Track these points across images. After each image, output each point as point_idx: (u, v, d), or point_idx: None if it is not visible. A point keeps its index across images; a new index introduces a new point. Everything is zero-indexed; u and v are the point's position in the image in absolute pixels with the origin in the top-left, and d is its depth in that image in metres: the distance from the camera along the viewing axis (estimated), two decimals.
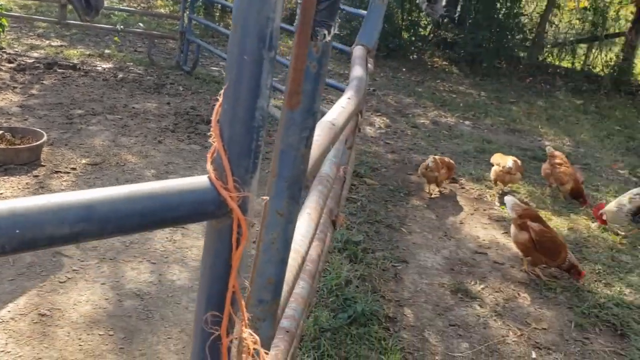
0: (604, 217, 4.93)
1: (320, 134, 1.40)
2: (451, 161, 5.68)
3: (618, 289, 4.13)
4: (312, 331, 3.11)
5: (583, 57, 12.48)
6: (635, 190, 4.98)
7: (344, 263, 3.88)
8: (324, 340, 3.08)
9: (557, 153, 5.93)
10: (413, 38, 12.80)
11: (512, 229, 4.42)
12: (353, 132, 3.11)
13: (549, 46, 12.86)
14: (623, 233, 5.05)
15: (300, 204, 1.36)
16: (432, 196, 5.56)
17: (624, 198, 4.92)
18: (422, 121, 8.22)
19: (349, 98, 1.89)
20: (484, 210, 5.38)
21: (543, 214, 5.31)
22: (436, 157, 5.58)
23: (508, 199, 4.58)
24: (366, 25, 2.94)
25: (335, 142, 1.51)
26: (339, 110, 1.68)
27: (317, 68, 1.00)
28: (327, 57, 1.03)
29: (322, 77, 1.02)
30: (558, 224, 5.16)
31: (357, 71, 2.35)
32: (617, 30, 12.34)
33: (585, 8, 12.47)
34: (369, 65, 4.63)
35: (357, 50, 2.78)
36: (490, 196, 5.70)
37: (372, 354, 3.10)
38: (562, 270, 4.17)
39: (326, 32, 0.99)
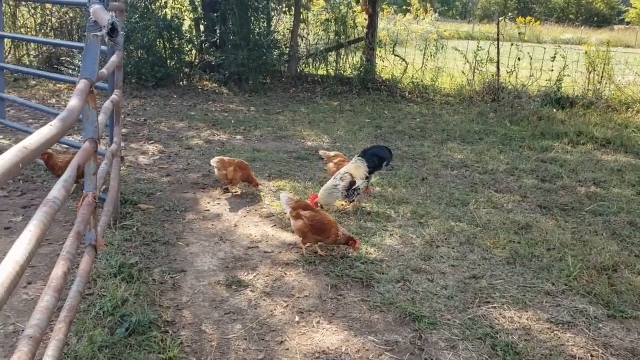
0: (320, 204, 5.77)
1: (8, 155, 1.67)
2: (242, 161, 6.29)
3: (364, 250, 4.93)
4: (89, 351, 3.27)
5: (334, 64, 13.96)
6: (342, 170, 5.93)
7: (119, 285, 4.06)
8: (102, 356, 3.26)
9: (332, 153, 6.81)
10: (179, 65, 13.14)
11: (291, 220, 5.00)
12: (94, 157, 3.34)
13: (304, 58, 14.15)
14: (349, 207, 5.95)
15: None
16: (232, 194, 6.26)
17: (336, 179, 5.80)
18: (195, 142, 8.58)
19: (51, 125, 2.15)
20: (256, 210, 5.92)
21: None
22: (222, 157, 6.27)
23: (282, 195, 5.15)
24: (85, 60, 3.19)
25: (26, 163, 1.78)
26: (36, 137, 1.95)
27: None
28: None
29: None
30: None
31: (71, 102, 2.61)
32: (357, 36, 14.03)
33: (327, 20, 14.00)
34: (114, 95, 4.87)
35: (79, 84, 3.02)
36: (262, 197, 6.27)
37: (151, 356, 3.37)
38: (341, 244, 4.84)
39: None
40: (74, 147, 6.24)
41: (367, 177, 5.93)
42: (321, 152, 7.09)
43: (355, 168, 5.93)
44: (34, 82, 12.17)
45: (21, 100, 7.43)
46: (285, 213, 5.69)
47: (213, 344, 3.56)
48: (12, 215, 5.36)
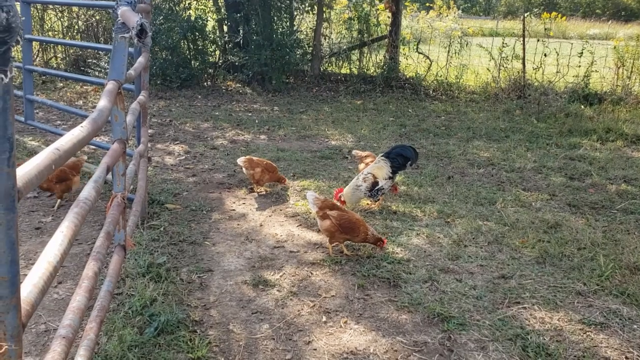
0: (343, 199, 5.72)
1: (41, 157, 1.69)
2: (271, 163, 6.30)
3: (391, 249, 4.89)
4: (119, 350, 3.29)
5: (357, 62, 13.91)
6: (365, 171, 5.89)
7: (147, 285, 4.09)
8: (131, 355, 3.28)
9: (364, 153, 6.79)
10: (203, 66, 13.22)
11: (317, 220, 4.96)
12: (122, 158, 3.37)
13: (327, 57, 14.14)
14: (374, 206, 5.91)
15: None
16: (258, 194, 6.33)
17: (358, 180, 5.78)
18: (220, 142, 8.63)
19: (82, 127, 2.17)
20: (281, 210, 5.92)
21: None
22: (250, 156, 6.36)
23: (308, 194, 5.12)
24: (113, 62, 3.22)
25: (59, 165, 1.79)
26: (68, 138, 1.97)
27: (1, 104, 1.30)
28: (10, 94, 1.33)
29: (9, 110, 1.32)
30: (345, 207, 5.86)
31: (100, 103, 2.63)
32: (380, 34, 13.97)
33: (350, 18, 13.96)
34: (141, 96, 4.91)
35: (108, 85, 3.05)
36: (287, 197, 6.27)
37: (180, 355, 3.38)
38: (370, 243, 4.81)
39: (2, 76, 1.30)
40: (102, 148, 6.32)
41: (390, 177, 5.88)
42: (354, 152, 7.05)
43: (379, 168, 5.88)
44: (62, 84, 12.38)
45: (49, 102, 7.55)
46: (311, 212, 5.69)
47: (241, 343, 3.56)
48: (42, 216, 5.45)
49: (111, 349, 3.31)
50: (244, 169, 6.26)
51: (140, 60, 4.66)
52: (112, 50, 3.23)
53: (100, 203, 5.54)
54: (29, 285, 1.63)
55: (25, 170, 1.55)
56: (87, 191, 2.46)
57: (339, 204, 5.42)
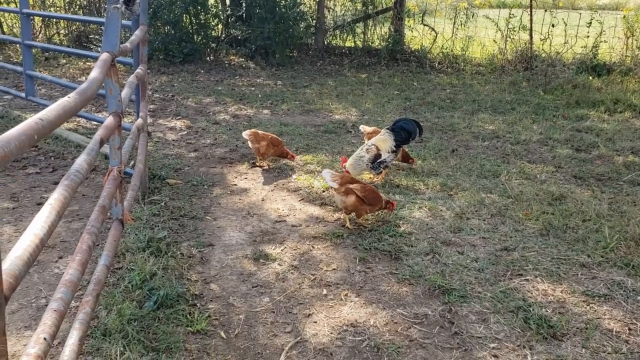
0: (347, 170, 5.65)
1: (23, 126, 1.65)
2: (276, 137, 6.24)
3: (393, 222, 4.85)
4: (118, 324, 3.29)
5: (362, 35, 13.71)
6: (369, 142, 5.82)
7: (148, 259, 4.07)
8: (130, 328, 3.28)
9: (370, 129, 6.70)
10: (205, 40, 13.07)
11: (338, 197, 4.78)
12: (118, 132, 3.32)
13: (331, 30, 13.94)
14: (377, 180, 5.86)
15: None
16: (261, 168, 6.31)
17: (362, 151, 5.72)
18: (222, 117, 8.56)
19: (69, 97, 2.12)
20: (283, 184, 5.87)
21: None
22: (255, 130, 6.28)
23: (325, 172, 4.98)
24: (106, 33, 3.16)
25: (42, 136, 1.75)
26: (53, 108, 1.92)
27: None
28: None
29: None
30: None
31: (91, 75, 2.57)
32: (385, 6, 13.74)
33: None
34: (139, 70, 4.84)
35: (100, 57, 2.99)
36: (289, 172, 6.22)
37: (179, 328, 3.38)
38: (383, 209, 4.81)
39: None
40: (101, 123, 6.28)
41: (394, 151, 5.80)
42: (361, 127, 6.96)
43: (383, 141, 5.80)
44: (64, 60, 12.29)
45: (49, 78, 7.48)
46: (313, 187, 5.66)
47: (241, 317, 3.55)
48: (44, 192, 5.44)
49: (110, 322, 3.31)
50: (249, 142, 6.20)
51: (137, 32, 4.58)
52: (105, 22, 3.16)
53: (101, 179, 5.51)
54: (13, 257, 1.60)
55: (4, 139, 1.50)
56: (79, 163, 2.43)
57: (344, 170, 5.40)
